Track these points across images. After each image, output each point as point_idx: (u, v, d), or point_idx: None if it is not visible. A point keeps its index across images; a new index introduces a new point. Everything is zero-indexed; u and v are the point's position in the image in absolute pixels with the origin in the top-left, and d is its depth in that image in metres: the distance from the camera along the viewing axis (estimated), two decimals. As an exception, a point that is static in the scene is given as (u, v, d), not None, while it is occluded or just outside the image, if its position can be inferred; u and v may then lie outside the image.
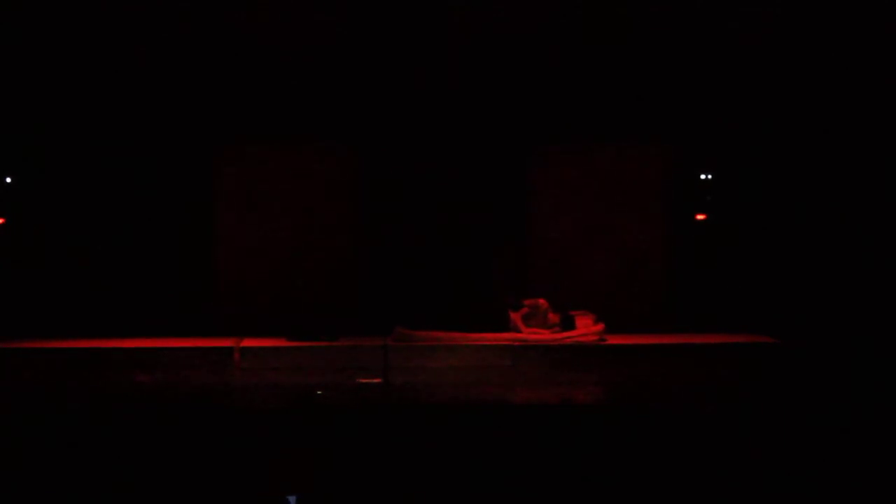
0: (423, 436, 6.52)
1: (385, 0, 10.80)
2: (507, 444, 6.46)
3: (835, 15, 10.63)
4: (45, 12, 10.60)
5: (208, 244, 11.04)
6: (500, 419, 6.92)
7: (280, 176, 11.09)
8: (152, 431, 6.58)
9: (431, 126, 10.98)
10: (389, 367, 8.74)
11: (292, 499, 6.01)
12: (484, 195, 11.07)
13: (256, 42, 10.81)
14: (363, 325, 10.47)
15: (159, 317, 10.74)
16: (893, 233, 10.59)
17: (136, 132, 10.90)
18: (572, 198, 11.16)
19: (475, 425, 6.69)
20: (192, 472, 6.25)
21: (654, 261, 11.11)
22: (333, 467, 6.27)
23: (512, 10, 10.81)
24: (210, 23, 10.75)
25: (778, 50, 10.77)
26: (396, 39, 10.84)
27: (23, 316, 10.60)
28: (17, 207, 10.98)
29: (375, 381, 8.53)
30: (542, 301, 10.34)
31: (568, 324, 10.14)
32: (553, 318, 10.27)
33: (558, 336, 10.05)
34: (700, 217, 11.19)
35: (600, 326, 10.09)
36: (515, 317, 10.22)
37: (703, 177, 11.19)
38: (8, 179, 11.03)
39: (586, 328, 10.08)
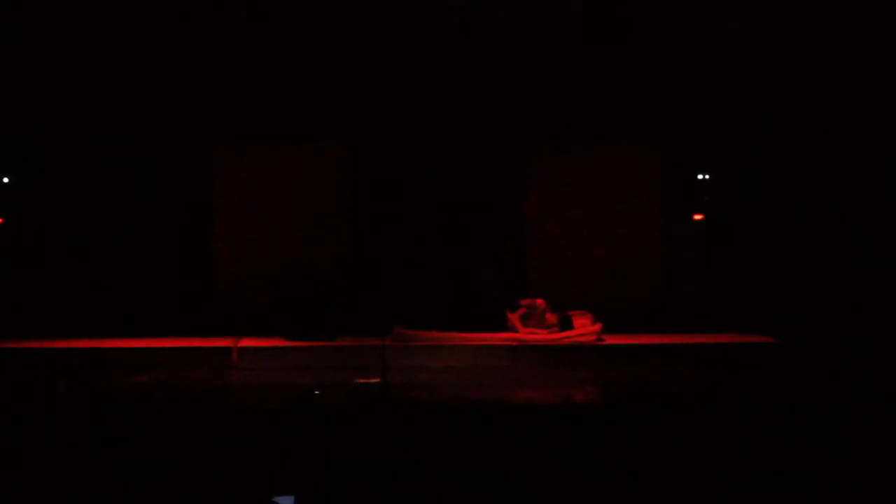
0: (421, 435, 6.53)
1: (385, 0, 10.81)
2: (505, 444, 6.47)
3: (835, 15, 10.63)
4: (45, 12, 10.61)
5: (208, 244, 11.05)
6: (498, 419, 6.92)
7: (280, 176, 11.10)
8: (152, 431, 6.59)
9: (431, 126, 10.98)
10: (389, 367, 8.74)
11: (292, 499, 6.01)
12: (484, 195, 11.08)
13: (256, 42, 10.82)
14: (363, 325, 10.48)
15: (159, 317, 10.75)
16: (893, 233, 10.59)
17: (136, 132, 10.91)
18: (572, 198, 11.17)
19: (473, 425, 6.70)
20: (191, 472, 6.25)
21: (653, 261, 11.12)
22: (333, 467, 6.27)
23: (512, 10, 10.81)
24: (210, 23, 10.75)
25: (778, 50, 10.77)
26: (396, 39, 10.84)
27: (23, 316, 10.61)
28: (17, 207, 10.99)
29: (375, 380, 8.54)
30: (540, 301, 10.35)
31: (566, 324, 10.15)
32: (551, 318, 10.28)
33: (556, 336, 10.06)
34: (699, 217, 11.20)
35: (598, 326, 10.10)
36: (513, 317, 10.23)
37: (701, 177, 11.20)
38: (6, 180, 11.05)
39: (584, 328, 10.09)
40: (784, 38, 10.75)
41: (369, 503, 6.16)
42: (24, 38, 10.65)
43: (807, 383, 8.65)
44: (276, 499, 5.99)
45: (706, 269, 11.00)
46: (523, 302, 10.32)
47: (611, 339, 10.06)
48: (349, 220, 11.10)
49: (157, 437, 6.52)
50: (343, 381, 8.70)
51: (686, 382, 8.79)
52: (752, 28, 10.73)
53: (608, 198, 11.14)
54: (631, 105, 10.93)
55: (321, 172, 11.12)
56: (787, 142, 10.84)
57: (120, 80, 10.79)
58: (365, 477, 6.21)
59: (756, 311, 10.61)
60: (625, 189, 11.13)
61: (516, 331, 10.09)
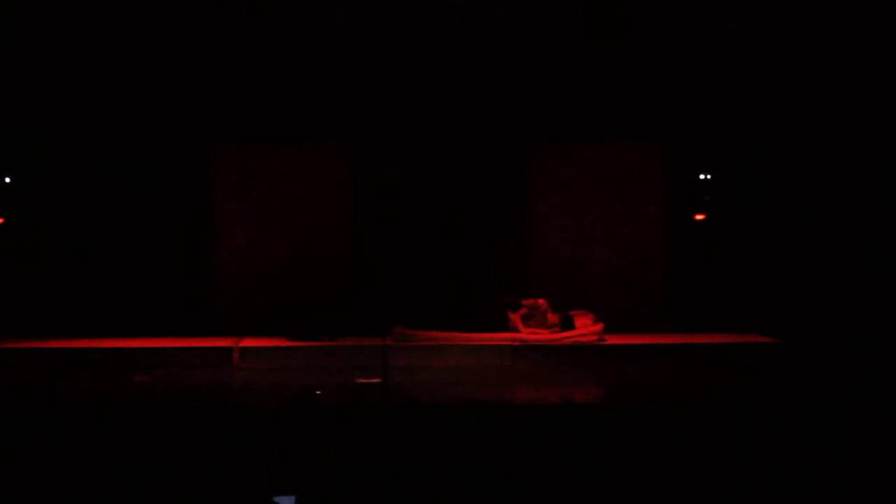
0: (422, 436, 6.53)
1: (385, 0, 10.80)
2: (506, 444, 6.46)
3: (835, 15, 10.63)
4: (46, 12, 10.60)
5: (208, 244, 11.05)
6: (498, 419, 6.92)
7: (280, 176, 11.10)
8: (152, 431, 6.58)
9: (431, 126, 10.98)
10: (389, 367, 8.74)
11: (292, 499, 6.01)
12: (484, 195, 11.07)
13: (256, 42, 10.82)
14: (363, 325, 10.48)
15: (159, 317, 10.75)
16: (893, 233, 10.59)
17: (136, 132, 10.91)
18: (572, 198, 11.16)
19: (474, 425, 6.70)
20: (191, 472, 6.25)
21: (653, 261, 11.11)
22: (333, 467, 6.27)
23: (512, 10, 10.81)
24: (210, 23, 10.75)
25: (778, 50, 10.77)
26: (396, 39, 10.84)
27: (23, 316, 10.61)
28: (17, 207, 10.99)
29: (375, 381, 8.53)
30: (541, 301, 10.35)
31: (567, 324, 10.15)
32: (552, 318, 10.28)
33: (557, 336, 10.06)
34: (699, 217, 11.20)
35: (599, 326, 10.10)
36: (514, 317, 10.23)
37: (702, 177, 11.20)
38: (7, 180, 11.04)
39: (585, 328, 10.08)
40: (784, 38, 10.75)
41: (369, 503, 6.16)
42: (24, 38, 10.64)
43: (807, 383, 8.65)
44: (276, 499, 5.99)
45: (706, 268, 10.99)
46: (525, 302, 10.32)
47: (612, 339, 10.06)
48: (349, 220, 11.09)
49: (157, 437, 6.51)
50: (343, 381, 8.70)
51: (686, 382, 8.79)
52: (752, 28, 10.73)
53: (608, 197, 11.13)
54: (631, 104, 10.92)
55: (321, 172, 11.12)
56: (787, 142, 10.84)
57: (120, 80, 10.79)
58: (365, 477, 6.21)
59: (756, 311, 10.61)
60: (625, 189, 11.13)
61: (517, 331, 10.09)
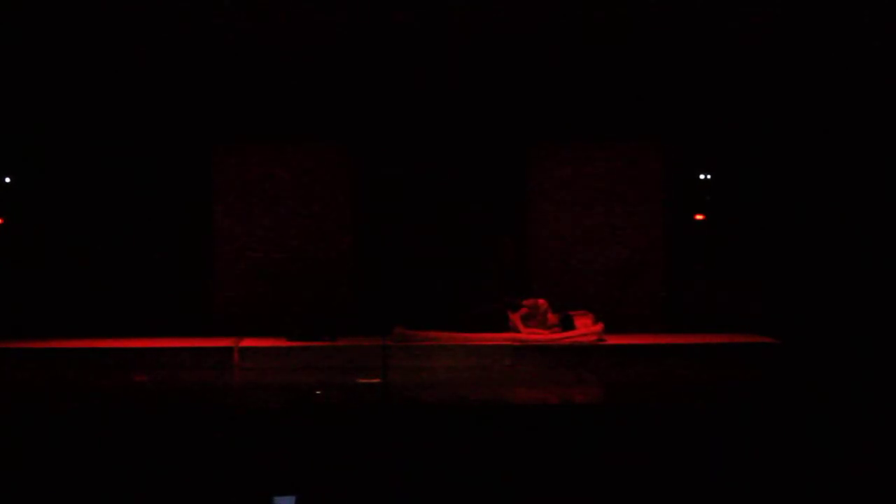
0: (422, 436, 6.53)
1: (385, 0, 10.80)
2: (506, 444, 6.46)
3: (834, 15, 10.63)
4: (46, 12, 10.61)
5: (208, 244, 11.05)
6: (499, 419, 6.92)
7: (280, 176, 11.10)
8: (152, 431, 6.58)
9: (431, 126, 10.98)
10: (389, 367, 8.74)
11: (292, 499, 6.01)
12: (483, 195, 11.08)
13: (256, 42, 10.82)
14: (363, 325, 10.48)
15: (159, 317, 10.75)
16: (893, 233, 10.59)
17: (136, 132, 10.91)
18: (572, 197, 11.16)
19: (474, 425, 6.70)
20: (191, 472, 6.25)
21: (653, 261, 11.11)
22: (333, 467, 6.27)
23: (512, 10, 10.81)
24: (210, 23, 10.75)
25: (778, 50, 10.77)
26: (396, 39, 10.84)
27: (23, 316, 10.61)
28: (17, 207, 10.99)
29: (375, 381, 8.53)
30: (541, 301, 10.35)
31: (567, 324, 10.15)
32: (552, 318, 10.28)
33: (557, 336, 10.06)
34: (699, 217, 11.20)
35: (599, 326, 10.10)
36: (515, 317, 10.23)
37: (702, 177, 11.20)
38: (7, 180, 11.04)
39: (585, 328, 10.09)
40: (784, 38, 10.75)
41: (369, 503, 6.16)
42: (25, 38, 10.64)
43: (807, 383, 8.65)
44: (276, 499, 5.98)
45: (707, 268, 11.00)
46: (525, 302, 10.32)
47: (612, 340, 10.06)
48: (349, 220, 11.09)
49: (157, 437, 6.51)
50: (343, 381, 8.70)
51: (686, 382, 8.79)
52: (752, 28, 10.73)
53: (608, 197, 11.13)
54: (631, 105, 10.92)
55: (321, 172, 11.12)
56: (787, 142, 10.84)
57: (120, 80, 10.79)
58: (365, 477, 6.21)
59: (756, 311, 10.61)
60: (625, 189, 11.13)
61: (518, 331, 10.09)
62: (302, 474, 6.21)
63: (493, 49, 10.88)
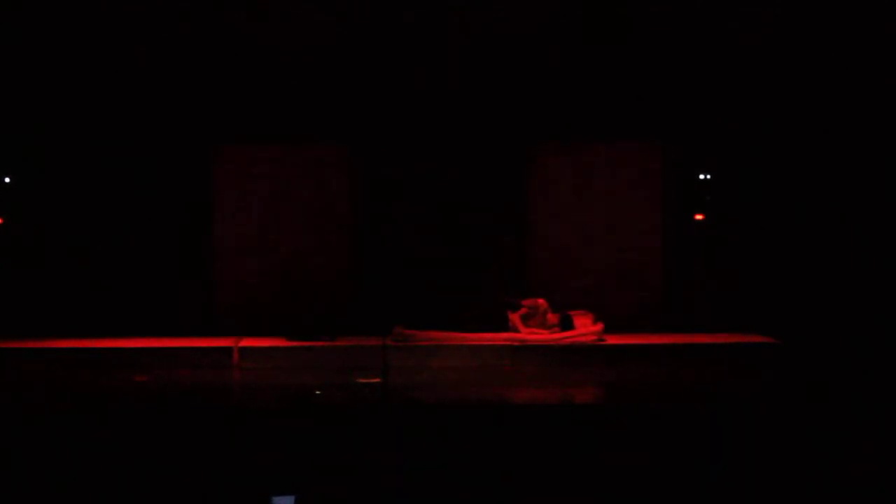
0: (422, 436, 6.53)
1: (385, 0, 10.80)
2: (506, 444, 6.47)
3: (834, 15, 10.63)
4: (46, 12, 10.61)
5: (208, 244, 11.05)
6: (499, 419, 6.92)
7: (280, 176, 11.10)
8: (152, 431, 6.59)
9: (431, 126, 10.98)
10: (389, 367, 8.74)
11: (292, 499, 6.01)
12: (484, 195, 11.07)
13: (256, 42, 10.82)
14: (363, 325, 10.48)
15: (159, 317, 10.75)
16: (893, 233, 10.59)
17: (136, 132, 10.90)
18: (572, 197, 11.16)
19: (474, 425, 6.70)
20: (191, 472, 6.25)
21: (653, 261, 11.11)
22: (333, 467, 6.27)
23: (512, 10, 10.81)
24: (210, 23, 10.75)
25: (778, 50, 10.77)
26: (396, 39, 10.84)
27: (23, 316, 10.61)
28: (17, 207, 10.98)
29: (375, 381, 8.53)
30: (541, 301, 10.35)
31: (567, 324, 10.15)
32: (552, 318, 10.28)
33: (557, 336, 10.06)
34: (699, 217, 11.19)
35: (599, 326, 10.10)
36: (514, 317, 10.23)
37: (702, 177, 11.19)
38: (7, 180, 11.04)
39: (585, 328, 10.09)
40: (784, 38, 10.75)
41: (369, 503, 6.16)
42: (24, 38, 10.64)
43: (807, 383, 8.65)
44: (276, 499, 5.99)
45: (706, 268, 10.99)
46: (525, 302, 10.33)
47: (611, 339, 10.06)
48: (349, 220, 11.09)
49: (157, 436, 6.51)
50: (343, 381, 8.70)
51: (686, 382, 8.79)
52: (752, 28, 10.73)
53: (608, 197, 11.13)
54: (631, 105, 10.92)
55: (321, 172, 11.12)
56: (787, 142, 10.84)
57: (120, 80, 10.79)
58: (365, 477, 6.21)
59: (756, 311, 10.61)
60: (625, 188, 11.13)
61: (517, 331, 10.09)
62: (302, 474, 6.21)
63: (494, 49, 10.88)
